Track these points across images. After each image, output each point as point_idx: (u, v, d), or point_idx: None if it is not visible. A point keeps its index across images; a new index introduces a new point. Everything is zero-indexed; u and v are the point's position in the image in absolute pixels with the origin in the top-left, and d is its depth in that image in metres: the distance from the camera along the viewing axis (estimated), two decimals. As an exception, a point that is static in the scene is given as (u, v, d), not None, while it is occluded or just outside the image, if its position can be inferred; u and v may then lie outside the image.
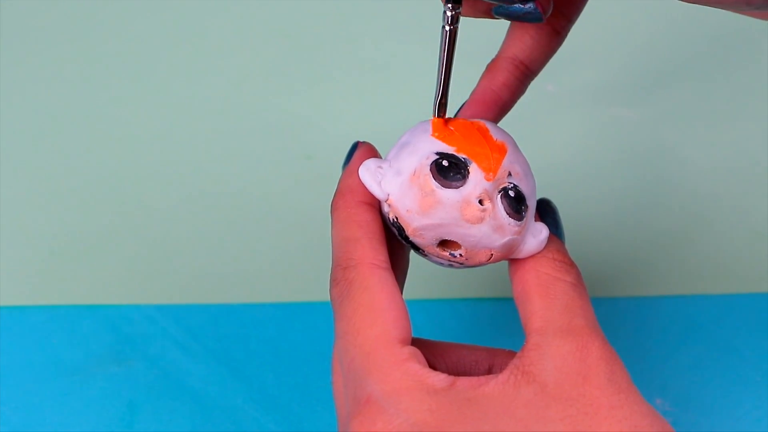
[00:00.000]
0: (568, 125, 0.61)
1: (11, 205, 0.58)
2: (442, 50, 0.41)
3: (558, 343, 0.37)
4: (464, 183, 0.39)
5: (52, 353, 0.53)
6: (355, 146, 0.43)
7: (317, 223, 0.56)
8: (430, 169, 0.39)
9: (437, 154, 0.39)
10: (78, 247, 0.57)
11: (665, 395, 0.52)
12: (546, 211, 0.43)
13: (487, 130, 0.41)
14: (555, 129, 0.61)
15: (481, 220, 0.39)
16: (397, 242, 0.42)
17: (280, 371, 0.52)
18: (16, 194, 0.58)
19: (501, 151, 0.40)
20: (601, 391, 0.37)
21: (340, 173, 0.43)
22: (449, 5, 0.40)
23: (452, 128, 0.41)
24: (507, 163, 0.40)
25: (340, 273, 0.40)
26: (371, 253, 0.40)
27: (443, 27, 0.40)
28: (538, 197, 0.43)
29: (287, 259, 0.56)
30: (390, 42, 0.64)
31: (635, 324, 0.54)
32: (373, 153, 0.42)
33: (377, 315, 0.38)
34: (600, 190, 0.59)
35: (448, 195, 0.39)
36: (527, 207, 0.40)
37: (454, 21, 0.40)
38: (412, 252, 0.42)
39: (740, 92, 0.62)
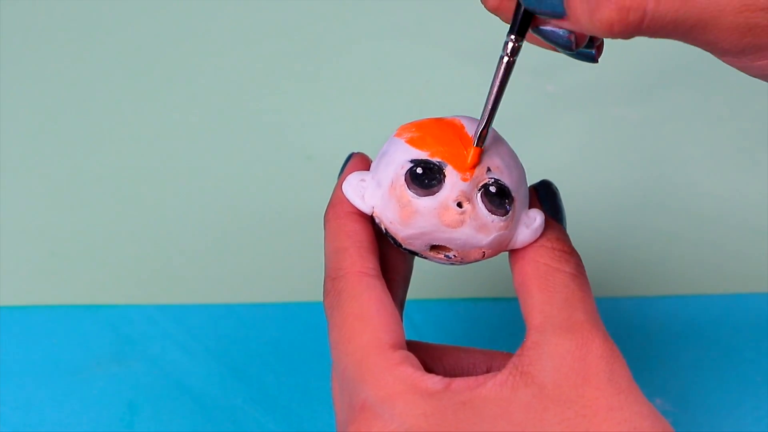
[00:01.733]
0: (568, 125, 0.61)
1: (11, 204, 0.58)
2: (495, 79, 0.39)
3: (557, 342, 0.37)
4: (440, 188, 0.39)
5: (52, 353, 0.53)
6: (350, 157, 0.43)
7: (317, 223, 0.55)
8: (405, 179, 0.39)
9: (411, 162, 0.39)
10: (78, 247, 0.57)
11: (665, 395, 0.52)
12: (545, 196, 0.42)
13: (462, 128, 0.40)
14: (555, 129, 0.61)
15: (461, 223, 0.39)
16: (395, 249, 0.42)
17: (280, 371, 0.52)
18: (17, 194, 0.58)
19: (477, 147, 0.40)
20: (600, 392, 0.36)
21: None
22: (512, 36, 0.38)
23: (419, 132, 0.40)
24: (485, 158, 0.40)
25: (330, 284, 0.40)
26: (359, 262, 0.40)
27: (501, 57, 0.39)
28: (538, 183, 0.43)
29: (287, 259, 0.56)
30: (389, 42, 0.64)
31: (635, 324, 0.54)
32: (365, 164, 0.42)
33: (367, 322, 0.38)
34: (600, 190, 0.59)
35: (425, 203, 0.39)
36: (512, 199, 0.40)
37: (515, 53, 0.39)
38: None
39: (740, 92, 0.62)
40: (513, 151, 0.41)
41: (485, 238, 0.39)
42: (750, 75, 0.38)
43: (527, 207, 0.41)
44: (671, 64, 0.64)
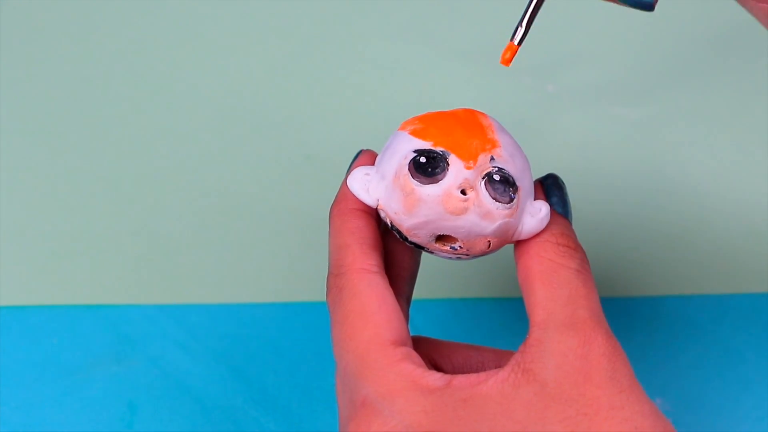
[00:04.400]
0: (568, 125, 0.61)
1: (11, 204, 0.58)
2: None
3: (560, 339, 0.37)
4: (444, 176, 0.39)
5: (52, 353, 0.53)
6: (358, 154, 0.43)
7: (317, 223, 0.55)
8: (408, 168, 0.39)
9: (414, 152, 0.39)
10: (78, 247, 0.57)
11: (665, 395, 0.52)
12: (552, 189, 0.42)
13: (465, 118, 0.41)
14: (555, 129, 0.61)
15: (465, 210, 0.39)
16: (401, 245, 0.42)
17: (280, 371, 0.52)
18: (17, 194, 0.58)
19: (480, 136, 0.40)
20: (602, 390, 0.36)
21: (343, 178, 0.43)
22: None
23: (423, 124, 0.41)
24: (488, 147, 0.40)
25: (332, 280, 0.40)
26: (361, 258, 0.40)
27: None
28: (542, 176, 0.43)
29: (287, 259, 0.56)
30: (390, 42, 0.64)
31: (635, 324, 0.54)
32: (373, 160, 0.42)
33: (367, 319, 0.38)
34: (599, 190, 0.59)
35: (428, 191, 0.39)
36: (517, 188, 0.40)
37: None
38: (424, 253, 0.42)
39: (740, 92, 0.62)
40: (517, 143, 0.41)
41: (490, 226, 0.39)
42: (755, 16, 0.38)
43: (532, 198, 0.41)
44: (671, 64, 0.64)
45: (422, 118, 0.41)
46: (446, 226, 0.39)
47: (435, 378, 0.37)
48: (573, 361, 0.37)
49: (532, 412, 0.36)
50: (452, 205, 0.39)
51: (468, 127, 0.40)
